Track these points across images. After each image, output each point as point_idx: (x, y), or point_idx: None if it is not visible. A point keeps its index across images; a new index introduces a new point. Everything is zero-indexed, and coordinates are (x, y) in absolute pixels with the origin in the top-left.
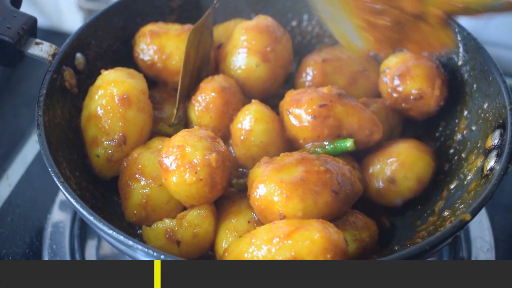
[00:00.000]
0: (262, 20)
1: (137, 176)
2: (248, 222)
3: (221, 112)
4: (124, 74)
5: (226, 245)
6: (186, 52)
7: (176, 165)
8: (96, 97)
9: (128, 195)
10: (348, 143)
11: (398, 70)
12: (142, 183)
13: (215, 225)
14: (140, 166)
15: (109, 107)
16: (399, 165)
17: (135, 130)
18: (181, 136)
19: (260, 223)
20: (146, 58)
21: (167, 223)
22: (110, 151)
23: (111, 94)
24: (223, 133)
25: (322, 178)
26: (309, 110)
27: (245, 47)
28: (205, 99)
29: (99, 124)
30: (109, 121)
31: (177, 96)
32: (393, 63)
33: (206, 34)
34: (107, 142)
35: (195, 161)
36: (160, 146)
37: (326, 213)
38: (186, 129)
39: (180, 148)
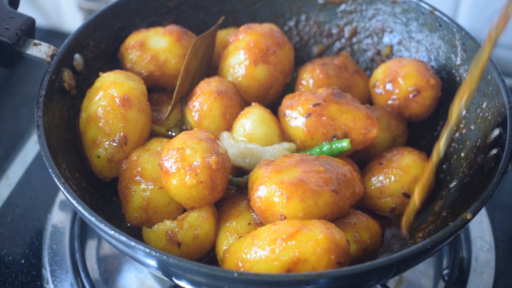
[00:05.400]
0: (267, 25)
1: (137, 178)
2: (249, 224)
3: (219, 116)
4: (123, 76)
5: (226, 247)
6: (188, 59)
7: (176, 167)
8: (96, 98)
9: (128, 198)
10: (344, 143)
11: (388, 77)
12: (142, 185)
13: (215, 226)
14: (139, 169)
15: (109, 108)
16: (413, 180)
17: (136, 131)
18: (181, 139)
19: (260, 224)
20: (142, 70)
21: (168, 224)
22: (111, 152)
23: (112, 96)
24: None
25: (322, 178)
26: (303, 110)
27: (247, 47)
28: (202, 104)
29: (99, 125)
30: (110, 122)
31: (173, 97)
32: (379, 74)
33: (209, 46)
34: (108, 143)
35: (195, 163)
36: (159, 148)
37: (327, 213)
38: (186, 131)
39: (180, 151)
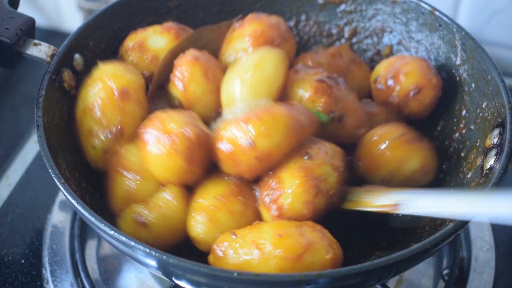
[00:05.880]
0: (275, 17)
1: (121, 170)
2: (213, 198)
3: (202, 78)
4: (122, 68)
5: (199, 229)
6: (181, 45)
7: (156, 137)
8: (96, 89)
9: (112, 190)
10: (323, 118)
11: (389, 73)
12: (126, 178)
13: (185, 205)
14: (126, 162)
15: (107, 101)
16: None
17: (132, 124)
18: (164, 111)
19: (233, 194)
20: (144, 71)
21: (135, 208)
22: (107, 144)
23: (111, 88)
24: (216, 107)
25: (272, 107)
26: (318, 76)
27: (253, 34)
28: (183, 72)
29: (96, 117)
30: (108, 114)
31: (154, 76)
32: (381, 69)
33: (215, 40)
34: (104, 135)
35: (174, 132)
36: None
37: (289, 124)
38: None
39: (161, 121)
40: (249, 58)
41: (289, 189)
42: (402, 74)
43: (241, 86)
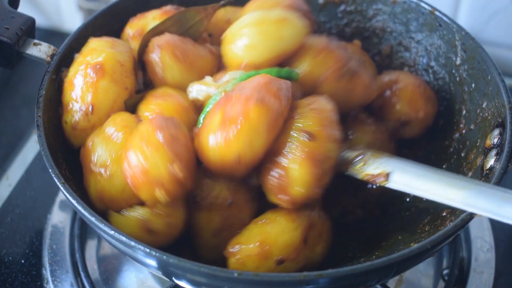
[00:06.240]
0: None
1: (91, 167)
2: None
3: (180, 64)
4: (106, 43)
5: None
6: (164, 24)
7: (142, 182)
8: (75, 63)
9: (87, 187)
10: (293, 73)
11: (381, 100)
12: (95, 175)
13: (185, 211)
14: (93, 157)
15: (82, 75)
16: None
17: (106, 102)
18: (137, 145)
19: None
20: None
21: (140, 211)
22: (75, 120)
23: (87, 63)
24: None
25: (247, 106)
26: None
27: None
28: (162, 59)
29: (71, 91)
30: (80, 89)
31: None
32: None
33: (201, 22)
34: (75, 110)
35: (159, 177)
36: (112, 130)
37: (272, 125)
38: (138, 131)
39: (138, 164)
40: (274, 12)
41: (297, 178)
42: (393, 103)
43: (253, 32)
